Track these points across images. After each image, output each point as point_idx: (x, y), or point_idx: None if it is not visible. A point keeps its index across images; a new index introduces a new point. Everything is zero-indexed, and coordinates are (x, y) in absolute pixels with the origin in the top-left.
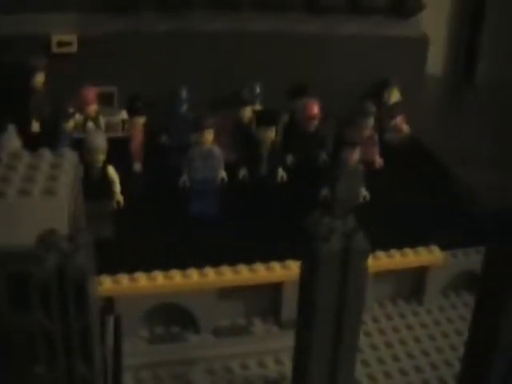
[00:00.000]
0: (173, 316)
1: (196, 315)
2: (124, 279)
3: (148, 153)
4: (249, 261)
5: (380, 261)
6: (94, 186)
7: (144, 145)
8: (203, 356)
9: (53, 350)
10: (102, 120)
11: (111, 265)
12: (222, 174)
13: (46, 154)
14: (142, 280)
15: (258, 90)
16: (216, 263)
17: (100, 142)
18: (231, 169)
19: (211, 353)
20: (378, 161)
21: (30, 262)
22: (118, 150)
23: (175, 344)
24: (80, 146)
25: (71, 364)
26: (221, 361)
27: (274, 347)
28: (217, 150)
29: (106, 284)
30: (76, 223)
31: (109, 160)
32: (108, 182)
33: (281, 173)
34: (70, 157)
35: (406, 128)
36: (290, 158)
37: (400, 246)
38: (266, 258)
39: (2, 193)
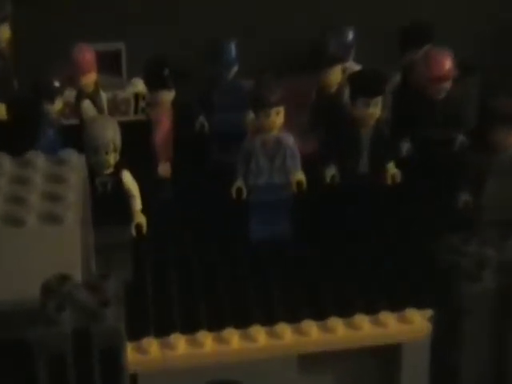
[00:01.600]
0: None
1: None
2: (152, 346)
3: (179, 147)
4: (345, 312)
5: None
6: (102, 204)
7: (173, 135)
8: None
9: None
10: (104, 96)
11: (133, 325)
12: (299, 176)
13: (39, 160)
14: (180, 346)
15: (350, 36)
16: (293, 317)
17: (109, 133)
18: (311, 167)
19: None
20: None
21: (31, 325)
22: (133, 144)
23: None
24: (73, 139)
25: None
26: None
27: None
28: (289, 140)
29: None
30: (89, 263)
31: (122, 161)
32: (123, 197)
33: (391, 169)
34: (75, 164)
35: None
36: (405, 146)
37: None
38: (371, 308)
39: None
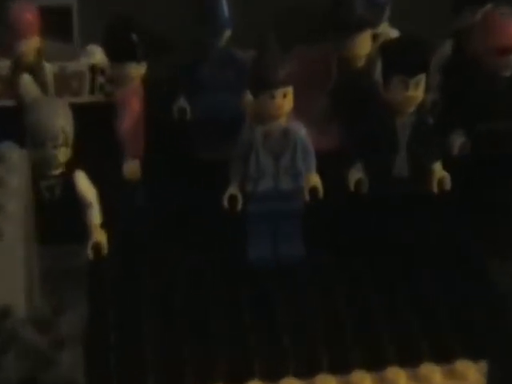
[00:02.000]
0: None
1: None
2: None
3: (152, 139)
4: (375, 363)
5: None
6: (49, 216)
7: (144, 122)
8: None
9: None
10: (50, 69)
11: (91, 376)
12: (314, 179)
13: None
14: None
15: None
16: (307, 370)
17: (57, 120)
18: (331, 169)
19: None
20: None
21: None
22: (90, 135)
23: None
24: (9, 126)
25: None
26: None
27: None
28: (300, 131)
29: None
30: (34, 292)
31: (75, 159)
32: (76, 206)
33: (439, 172)
34: (15, 162)
35: None
36: (457, 141)
37: None
38: (411, 358)
39: None
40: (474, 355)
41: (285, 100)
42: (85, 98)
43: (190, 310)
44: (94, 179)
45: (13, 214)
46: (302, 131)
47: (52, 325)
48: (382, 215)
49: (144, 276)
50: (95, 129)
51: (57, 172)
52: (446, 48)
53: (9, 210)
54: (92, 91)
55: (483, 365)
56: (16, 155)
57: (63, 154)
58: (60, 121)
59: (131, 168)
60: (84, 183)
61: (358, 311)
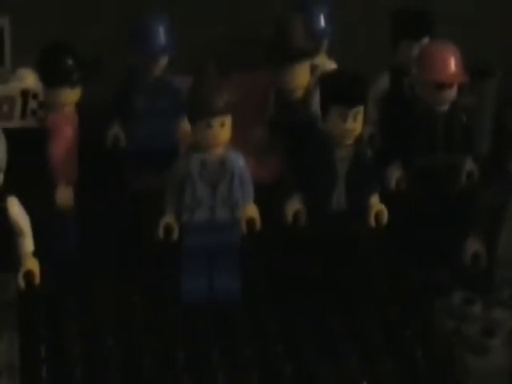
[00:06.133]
0: None
1: None
2: None
3: (85, 166)
4: None
5: None
6: None
7: (77, 149)
8: None
9: None
10: None
11: None
12: (251, 211)
13: None
14: None
15: (323, 20)
16: None
17: None
18: (268, 200)
19: None
20: None
21: None
22: (20, 162)
23: None
24: None
25: None
26: None
27: None
28: (238, 161)
29: None
30: None
31: (7, 185)
32: (7, 234)
33: (376, 206)
34: None
35: None
36: (394, 175)
37: None
38: None
39: None
40: None
41: (223, 129)
42: (16, 122)
43: (121, 347)
44: (25, 206)
45: None
46: (240, 161)
47: None
48: (320, 250)
49: (74, 310)
50: (26, 154)
51: None
52: (384, 81)
53: None
54: (23, 116)
55: None
56: None
57: None
58: None
59: (63, 195)
60: (16, 210)
61: (293, 349)
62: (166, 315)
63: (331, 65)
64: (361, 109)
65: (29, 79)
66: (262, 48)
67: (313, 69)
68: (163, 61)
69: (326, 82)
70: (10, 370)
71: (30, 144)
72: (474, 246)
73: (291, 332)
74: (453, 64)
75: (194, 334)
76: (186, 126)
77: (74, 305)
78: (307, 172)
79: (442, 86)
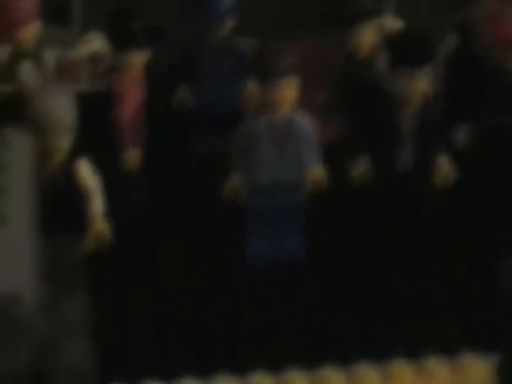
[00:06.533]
0: None
1: None
2: None
3: (152, 128)
4: (380, 357)
5: None
6: (49, 205)
7: (144, 112)
8: None
9: None
10: (50, 56)
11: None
12: (317, 172)
13: None
14: None
15: None
16: (311, 364)
17: (61, 108)
18: (334, 161)
19: None
20: None
21: None
22: (88, 125)
23: None
24: (6, 114)
25: None
26: None
27: None
28: (304, 122)
29: None
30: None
31: (77, 148)
32: (78, 196)
33: (443, 166)
34: (20, 147)
35: None
36: (462, 134)
37: None
38: (415, 352)
39: None
40: (480, 350)
41: (289, 90)
42: (84, 85)
43: (186, 309)
44: (94, 169)
45: (19, 200)
46: (306, 123)
47: (60, 312)
48: (385, 211)
49: (141, 271)
50: (95, 117)
51: (60, 160)
52: (452, 40)
53: (14, 195)
54: (91, 79)
55: (489, 359)
56: (20, 141)
57: (66, 142)
58: (63, 109)
59: (130, 158)
60: (87, 171)
61: (358, 307)
62: (230, 278)
63: (397, 25)
64: (428, 68)
65: (96, 43)
66: (331, 9)
67: (379, 29)
68: (228, 24)
69: (392, 42)
70: (79, 330)
71: (97, 107)
72: None
73: (356, 294)
74: None
75: (258, 297)
76: (251, 88)
77: (140, 266)
78: (373, 133)
79: (509, 44)
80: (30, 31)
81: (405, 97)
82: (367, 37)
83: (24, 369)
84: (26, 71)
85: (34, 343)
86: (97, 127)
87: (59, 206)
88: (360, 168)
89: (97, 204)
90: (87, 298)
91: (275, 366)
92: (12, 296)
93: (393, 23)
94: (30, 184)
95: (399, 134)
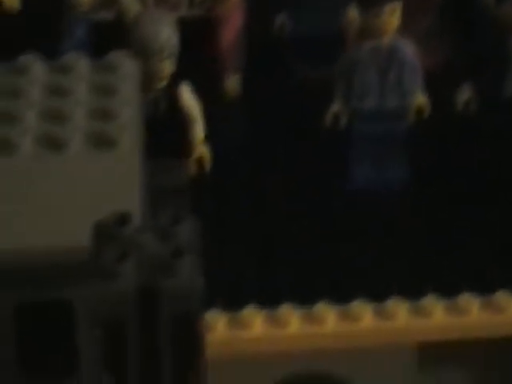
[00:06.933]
0: None
1: None
2: (219, 322)
3: (251, 54)
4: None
5: None
6: (152, 129)
7: (244, 38)
8: None
9: None
10: None
11: None
12: (420, 98)
13: (81, 64)
14: (256, 324)
15: None
16: (410, 293)
17: (164, 32)
18: (437, 88)
19: None
20: None
21: (79, 282)
22: (188, 51)
23: None
24: (109, 40)
25: None
26: None
27: None
28: (408, 49)
29: None
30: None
31: (179, 72)
32: (179, 120)
33: None
34: (128, 70)
35: None
36: None
37: None
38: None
39: (10, 145)
40: None
41: (392, 16)
42: (184, 11)
43: (286, 233)
44: (195, 95)
45: (127, 122)
46: (409, 48)
47: (171, 232)
48: (490, 138)
49: (241, 193)
50: (195, 43)
51: (161, 85)
52: None
53: (123, 118)
54: (191, 5)
55: None
56: (127, 65)
57: (168, 67)
58: (166, 33)
59: (230, 84)
60: (189, 97)
61: (456, 238)
62: (331, 204)
63: None
64: None
65: None
66: None
67: None
68: None
69: None
70: (189, 251)
71: (198, 33)
72: None
73: (456, 221)
74: None
75: (359, 222)
76: (354, 13)
77: (241, 192)
78: (479, 59)
79: None
80: None
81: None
82: None
83: (134, 289)
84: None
85: (145, 262)
86: (197, 53)
87: (161, 131)
88: (464, 95)
89: (198, 129)
90: (194, 220)
91: (375, 296)
92: (122, 214)
93: None
94: (137, 108)
95: (506, 59)
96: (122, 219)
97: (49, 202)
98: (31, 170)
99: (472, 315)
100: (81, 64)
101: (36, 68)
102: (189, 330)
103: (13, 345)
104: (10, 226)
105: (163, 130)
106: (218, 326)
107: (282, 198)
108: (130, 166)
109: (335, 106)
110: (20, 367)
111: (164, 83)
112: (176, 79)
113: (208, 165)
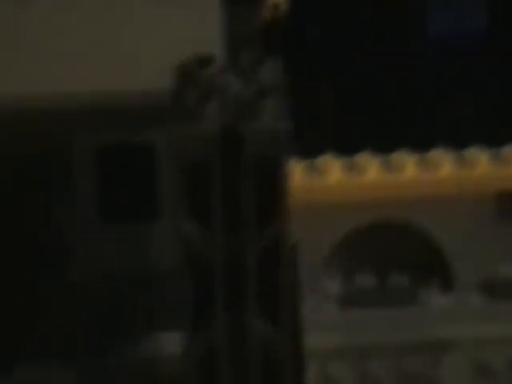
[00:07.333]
0: (398, 250)
1: (448, 250)
2: (296, 169)
3: None
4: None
5: None
6: None
7: None
8: (453, 338)
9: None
10: None
11: None
12: None
13: None
14: (334, 172)
15: None
16: (490, 142)
17: None
18: None
19: (471, 331)
20: None
21: (161, 124)
22: None
23: (397, 310)
24: None
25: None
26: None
27: None
28: None
29: None
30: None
31: None
32: None
33: None
34: None
35: None
36: None
37: None
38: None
39: None
40: None
41: None
42: None
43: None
44: None
45: None
46: None
47: (254, 73)
48: None
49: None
50: None
51: None
52: None
53: None
54: None
55: None
56: None
57: None
58: None
59: None
60: None
61: None
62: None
63: None
64: None
65: None
66: None
67: None
68: None
69: None
70: (273, 93)
71: None
72: None
73: None
74: None
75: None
76: None
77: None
78: None
79: None
80: None
81: None
82: None
83: (217, 131)
84: None
85: (228, 105)
86: None
87: None
88: None
89: None
90: (277, 62)
91: (456, 144)
92: (205, 56)
93: None
94: None
95: None
96: (205, 61)
97: (134, 48)
98: (117, 15)
99: None
100: None
101: None
102: (272, 173)
103: (95, 190)
104: (100, 70)
105: None
106: (294, 173)
107: None
108: (211, 11)
109: None
110: (101, 214)
111: None
112: None
113: (283, 9)
